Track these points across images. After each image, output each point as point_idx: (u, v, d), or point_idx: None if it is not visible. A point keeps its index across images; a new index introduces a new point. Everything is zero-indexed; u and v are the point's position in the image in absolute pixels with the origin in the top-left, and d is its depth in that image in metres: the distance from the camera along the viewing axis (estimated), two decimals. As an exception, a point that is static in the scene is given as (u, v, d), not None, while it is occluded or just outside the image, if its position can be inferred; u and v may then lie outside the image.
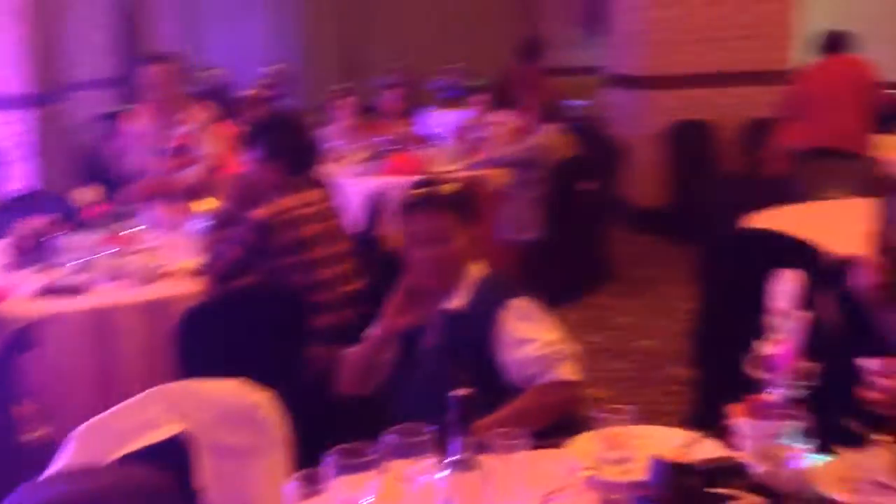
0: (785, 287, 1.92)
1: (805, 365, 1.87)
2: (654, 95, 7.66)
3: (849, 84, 6.51)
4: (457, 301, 2.51)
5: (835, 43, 6.68)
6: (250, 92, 7.19)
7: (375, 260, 4.03)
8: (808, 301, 1.93)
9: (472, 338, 2.43)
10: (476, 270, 2.56)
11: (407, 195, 2.58)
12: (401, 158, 5.79)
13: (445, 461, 1.66)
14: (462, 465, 1.63)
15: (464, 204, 2.58)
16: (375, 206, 4.93)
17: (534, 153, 5.71)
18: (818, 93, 6.51)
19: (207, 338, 2.95)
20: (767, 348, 1.90)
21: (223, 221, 3.63)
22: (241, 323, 3.07)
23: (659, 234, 7.40)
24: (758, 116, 7.35)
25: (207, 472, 2.09)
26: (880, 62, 6.80)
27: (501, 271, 2.63)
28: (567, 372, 2.39)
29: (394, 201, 5.00)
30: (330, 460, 1.70)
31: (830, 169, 5.83)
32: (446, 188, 2.57)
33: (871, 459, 1.80)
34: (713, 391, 3.59)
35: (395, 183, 5.33)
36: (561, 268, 5.53)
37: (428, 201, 2.53)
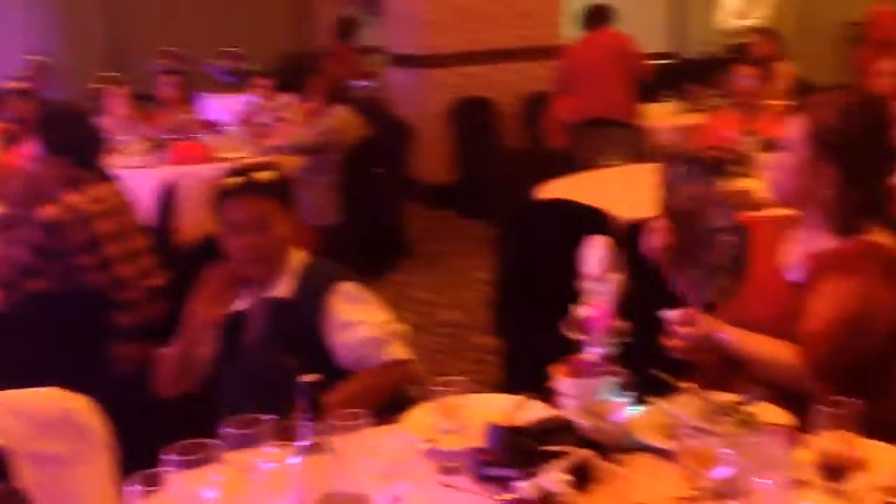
0: (595, 252, 2.04)
1: (618, 324, 2.00)
2: (434, 74, 7.78)
3: (612, 57, 6.87)
4: (281, 289, 2.49)
5: (596, 17, 7.04)
6: (11, 85, 6.72)
7: (171, 253, 3.92)
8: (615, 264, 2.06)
9: (301, 324, 2.42)
10: (298, 257, 2.55)
11: (224, 182, 2.52)
12: (185, 147, 5.59)
13: (296, 446, 1.67)
14: (312, 449, 1.65)
15: (282, 190, 2.55)
16: (166, 198, 4.77)
17: (325, 137, 5.68)
18: (585, 66, 6.85)
19: (7, 347, 2.79)
20: (583, 311, 2.01)
21: (5, 224, 3.42)
22: (42, 329, 2.92)
23: (449, 209, 7.56)
24: (535, 91, 7.63)
25: (29, 483, 1.99)
26: (638, 34, 7.24)
27: (323, 257, 2.64)
28: (398, 351, 2.44)
29: (185, 191, 4.89)
30: (167, 457, 1.66)
31: (603, 138, 6.18)
32: (265, 175, 2.52)
33: (683, 406, 1.95)
34: (521, 356, 3.75)
35: (182, 172, 5.16)
36: (359, 249, 5.56)
37: (247, 188, 2.47)
